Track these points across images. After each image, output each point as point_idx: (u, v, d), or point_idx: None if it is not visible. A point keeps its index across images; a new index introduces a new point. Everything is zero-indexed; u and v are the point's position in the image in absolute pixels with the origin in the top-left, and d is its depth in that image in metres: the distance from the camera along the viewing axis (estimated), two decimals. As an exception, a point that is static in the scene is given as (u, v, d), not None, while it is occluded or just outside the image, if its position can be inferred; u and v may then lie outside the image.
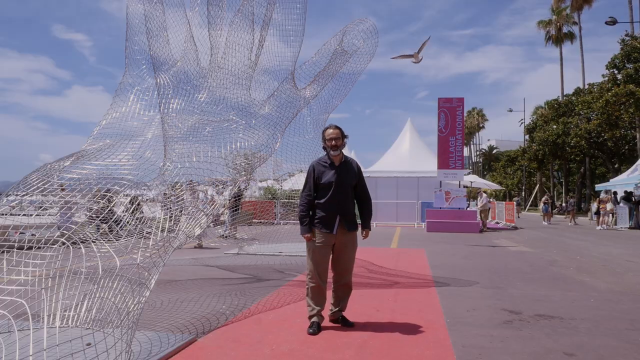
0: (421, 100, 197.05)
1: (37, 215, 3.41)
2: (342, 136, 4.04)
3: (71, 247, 2.86)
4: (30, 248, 3.08)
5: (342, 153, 4.08)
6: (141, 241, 3.41)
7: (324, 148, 4.08)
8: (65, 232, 2.85)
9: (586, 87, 35.92)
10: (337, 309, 4.10)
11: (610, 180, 26.40)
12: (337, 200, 3.93)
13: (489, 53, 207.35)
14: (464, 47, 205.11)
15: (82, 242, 2.91)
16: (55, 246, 2.87)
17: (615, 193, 20.23)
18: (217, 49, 5.72)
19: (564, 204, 40.15)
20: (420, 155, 23.09)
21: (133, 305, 3.03)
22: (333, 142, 3.95)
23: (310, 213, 3.98)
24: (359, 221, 4.12)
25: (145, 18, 5.41)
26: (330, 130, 4.00)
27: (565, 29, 44.06)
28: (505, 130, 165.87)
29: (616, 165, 33.62)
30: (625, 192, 19.60)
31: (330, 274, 4.04)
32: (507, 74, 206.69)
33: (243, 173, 5.33)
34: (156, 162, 4.32)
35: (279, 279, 6.45)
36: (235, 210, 10.28)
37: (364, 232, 4.11)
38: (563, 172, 44.76)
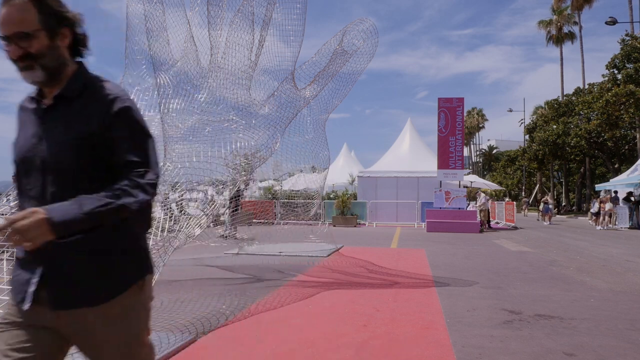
0: (421, 100, 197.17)
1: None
2: (46, 27, 1.34)
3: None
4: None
5: (63, 65, 1.41)
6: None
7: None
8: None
9: (586, 87, 35.93)
10: None
11: (610, 180, 26.39)
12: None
13: (488, 53, 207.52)
14: (463, 47, 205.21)
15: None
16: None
17: (615, 192, 20.21)
18: (217, 49, 5.72)
19: (563, 203, 40.23)
20: (420, 155, 23.09)
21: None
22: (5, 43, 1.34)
23: None
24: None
25: (145, 18, 5.40)
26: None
27: (565, 29, 44.04)
28: (505, 130, 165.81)
29: (616, 165, 33.59)
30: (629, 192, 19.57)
31: None
32: (507, 74, 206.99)
33: (243, 173, 5.33)
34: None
35: (279, 279, 6.44)
36: (235, 210, 10.29)
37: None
38: (563, 172, 44.77)
